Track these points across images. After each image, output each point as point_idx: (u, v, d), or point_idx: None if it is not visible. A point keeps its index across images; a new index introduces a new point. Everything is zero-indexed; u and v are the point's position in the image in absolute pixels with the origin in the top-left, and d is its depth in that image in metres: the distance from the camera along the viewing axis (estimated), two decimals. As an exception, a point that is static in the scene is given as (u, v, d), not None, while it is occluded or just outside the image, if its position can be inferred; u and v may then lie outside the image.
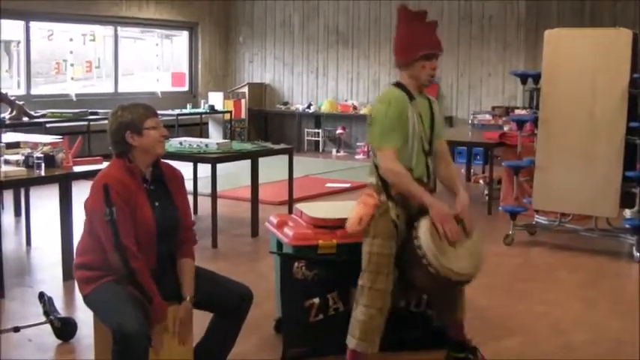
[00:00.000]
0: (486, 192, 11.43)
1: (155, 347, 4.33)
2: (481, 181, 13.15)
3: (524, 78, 9.57)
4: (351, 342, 4.98)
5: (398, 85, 5.06)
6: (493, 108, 15.31)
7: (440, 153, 5.17)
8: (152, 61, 18.54)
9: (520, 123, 9.48)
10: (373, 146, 5.00)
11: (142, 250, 4.39)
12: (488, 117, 14.28)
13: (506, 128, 11.85)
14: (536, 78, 9.04)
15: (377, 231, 4.91)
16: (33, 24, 15.46)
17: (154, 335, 4.34)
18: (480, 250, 4.99)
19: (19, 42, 15.38)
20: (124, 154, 4.54)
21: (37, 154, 7.11)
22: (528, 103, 9.71)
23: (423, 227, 4.78)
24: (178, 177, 4.77)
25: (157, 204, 4.55)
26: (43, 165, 7.02)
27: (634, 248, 8.50)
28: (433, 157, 5.07)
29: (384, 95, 5.07)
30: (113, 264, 4.34)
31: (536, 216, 9.41)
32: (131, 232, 4.34)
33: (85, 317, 5.61)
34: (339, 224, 5.35)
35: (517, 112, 11.61)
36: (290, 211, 8.95)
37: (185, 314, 4.53)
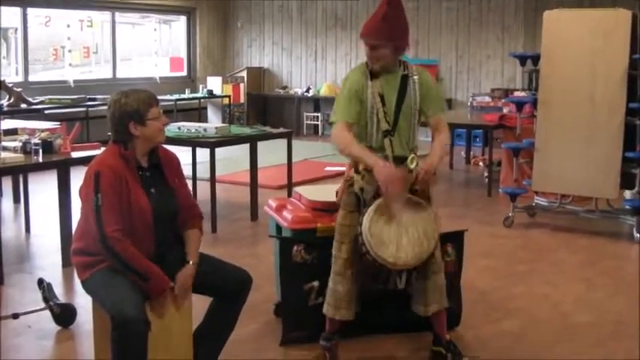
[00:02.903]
0: (486, 174, 11.43)
1: (154, 318, 4.34)
2: (481, 164, 13.16)
3: (523, 59, 9.54)
4: (324, 308, 5.16)
5: (367, 62, 5.08)
6: (492, 90, 15.28)
7: (432, 128, 5.15)
8: (150, 47, 18.49)
9: (519, 105, 9.47)
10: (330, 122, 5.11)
11: (137, 237, 4.38)
12: (487, 99, 14.26)
13: (505, 110, 11.83)
14: (536, 59, 9.02)
15: (343, 203, 5.10)
16: (30, 10, 15.40)
17: (154, 307, 4.35)
18: (431, 235, 4.87)
19: (16, 29, 15.32)
20: (122, 141, 4.52)
21: (35, 140, 7.10)
22: (527, 84, 9.67)
23: (367, 214, 4.81)
24: (174, 161, 4.75)
25: (152, 190, 4.53)
26: (40, 151, 7.01)
27: (634, 229, 8.50)
28: (397, 137, 4.98)
29: (347, 73, 5.19)
30: (100, 251, 4.34)
31: (536, 198, 9.40)
32: (116, 219, 4.32)
33: (84, 303, 5.61)
34: (337, 207, 5.33)
35: (516, 93, 11.56)
36: (289, 195, 8.93)
37: (185, 277, 4.52)
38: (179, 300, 4.53)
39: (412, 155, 5.01)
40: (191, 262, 4.58)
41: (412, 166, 4.99)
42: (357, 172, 5.03)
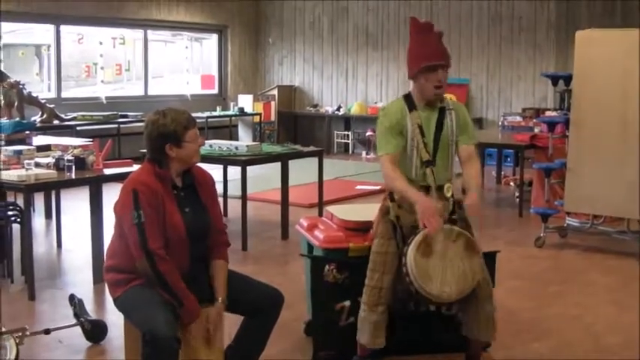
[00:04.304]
0: (517, 194, 11.39)
1: (185, 349, 4.34)
2: (512, 183, 13.09)
3: (555, 79, 9.52)
4: (357, 334, 5.14)
5: (405, 95, 5.11)
6: (523, 110, 15.25)
7: (463, 159, 5.15)
8: (182, 64, 18.57)
9: (551, 125, 9.43)
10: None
11: (173, 255, 4.39)
12: (518, 119, 14.22)
13: (536, 130, 11.79)
14: (568, 79, 8.99)
15: (378, 231, 5.10)
16: (63, 28, 15.52)
17: (185, 336, 4.34)
18: (478, 269, 4.87)
19: (49, 46, 15.46)
20: (157, 160, 4.54)
21: (68, 156, 7.14)
22: (559, 104, 9.65)
23: (412, 244, 4.79)
24: (209, 181, 4.77)
25: (187, 210, 4.54)
26: (73, 167, 7.06)
27: (667, 251, 8.43)
28: (436, 168, 5.01)
29: (385, 106, 5.26)
30: (141, 268, 4.35)
31: (568, 218, 9.34)
32: (159, 236, 4.34)
33: (115, 319, 5.63)
34: (369, 227, 5.33)
35: (548, 113, 11.52)
36: (320, 214, 8.92)
37: (216, 315, 4.52)
38: (211, 337, 4.53)
39: (448, 184, 5.03)
40: (220, 300, 4.57)
41: (448, 195, 5.01)
42: (392, 200, 5.04)
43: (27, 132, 8.97)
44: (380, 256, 5.01)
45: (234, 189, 9.95)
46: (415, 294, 4.80)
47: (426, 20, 5.04)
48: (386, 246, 5.00)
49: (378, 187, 12.28)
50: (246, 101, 18.12)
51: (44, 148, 7.98)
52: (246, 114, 17.93)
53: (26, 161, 7.09)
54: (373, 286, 5.02)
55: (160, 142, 4.48)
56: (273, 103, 18.62)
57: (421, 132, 4.97)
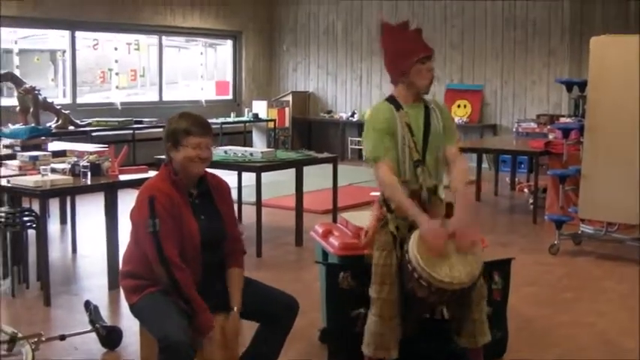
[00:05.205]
0: (531, 201, 11.37)
1: (200, 355, 4.35)
2: (526, 190, 13.06)
3: (569, 85, 9.50)
4: (365, 349, 5.07)
5: (388, 98, 5.14)
6: (538, 116, 15.21)
7: (448, 159, 5.13)
8: (196, 70, 18.59)
9: (566, 131, 9.42)
10: (368, 160, 5.08)
11: (187, 262, 4.41)
12: (532, 125, 14.19)
13: (551, 136, 11.76)
14: (582, 85, 8.98)
15: (379, 243, 5.03)
16: (78, 34, 15.56)
17: (201, 345, 4.36)
18: (477, 252, 4.86)
19: (64, 51, 15.50)
20: (169, 162, 4.58)
21: (84, 162, 7.16)
22: (574, 111, 9.64)
23: (412, 240, 4.78)
24: (224, 188, 4.79)
25: (202, 217, 4.56)
26: (89, 173, 7.08)
27: (681, 258, 8.41)
28: (426, 167, 4.99)
29: (371, 109, 5.22)
30: (158, 275, 4.36)
31: (582, 225, 9.32)
32: (175, 243, 4.36)
33: (130, 325, 5.65)
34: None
35: (562, 120, 11.51)
36: (334, 220, 8.92)
37: (232, 325, 4.54)
38: (227, 346, 4.55)
39: (441, 186, 5.06)
40: (235, 309, 4.59)
41: (442, 197, 5.03)
42: (389, 210, 5.02)
43: (42, 138, 9.03)
44: (385, 269, 4.97)
45: (249, 195, 9.96)
46: (428, 287, 4.71)
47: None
48: (390, 258, 4.96)
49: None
50: (260, 107, 18.13)
51: (60, 154, 8.02)
52: (260, 120, 17.94)
53: (42, 167, 7.11)
54: (385, 299, 4.96)
55: (165, 141, 4.58)
56: (287, 109, 18.62)
57: (410, 131, 4.97)
